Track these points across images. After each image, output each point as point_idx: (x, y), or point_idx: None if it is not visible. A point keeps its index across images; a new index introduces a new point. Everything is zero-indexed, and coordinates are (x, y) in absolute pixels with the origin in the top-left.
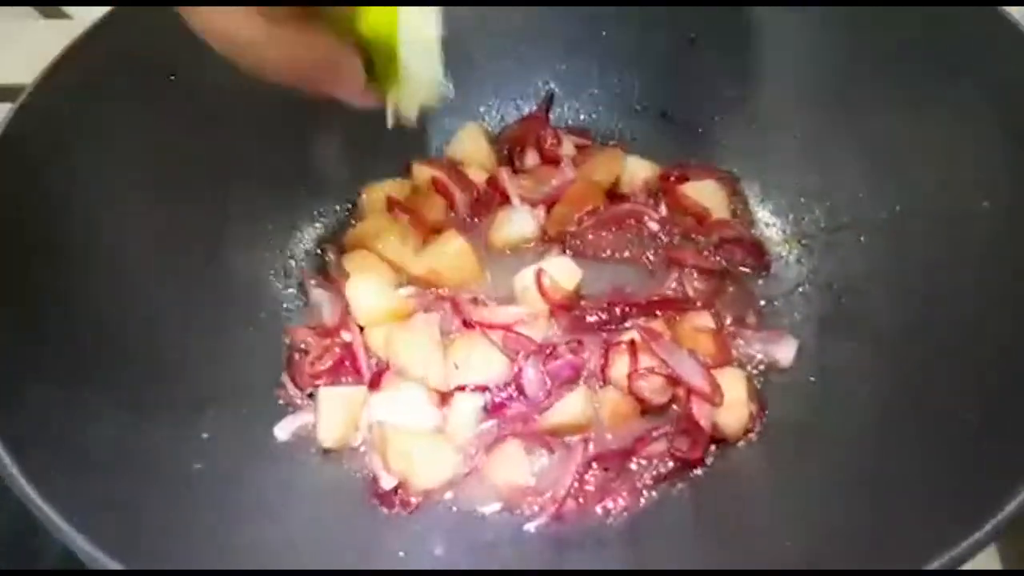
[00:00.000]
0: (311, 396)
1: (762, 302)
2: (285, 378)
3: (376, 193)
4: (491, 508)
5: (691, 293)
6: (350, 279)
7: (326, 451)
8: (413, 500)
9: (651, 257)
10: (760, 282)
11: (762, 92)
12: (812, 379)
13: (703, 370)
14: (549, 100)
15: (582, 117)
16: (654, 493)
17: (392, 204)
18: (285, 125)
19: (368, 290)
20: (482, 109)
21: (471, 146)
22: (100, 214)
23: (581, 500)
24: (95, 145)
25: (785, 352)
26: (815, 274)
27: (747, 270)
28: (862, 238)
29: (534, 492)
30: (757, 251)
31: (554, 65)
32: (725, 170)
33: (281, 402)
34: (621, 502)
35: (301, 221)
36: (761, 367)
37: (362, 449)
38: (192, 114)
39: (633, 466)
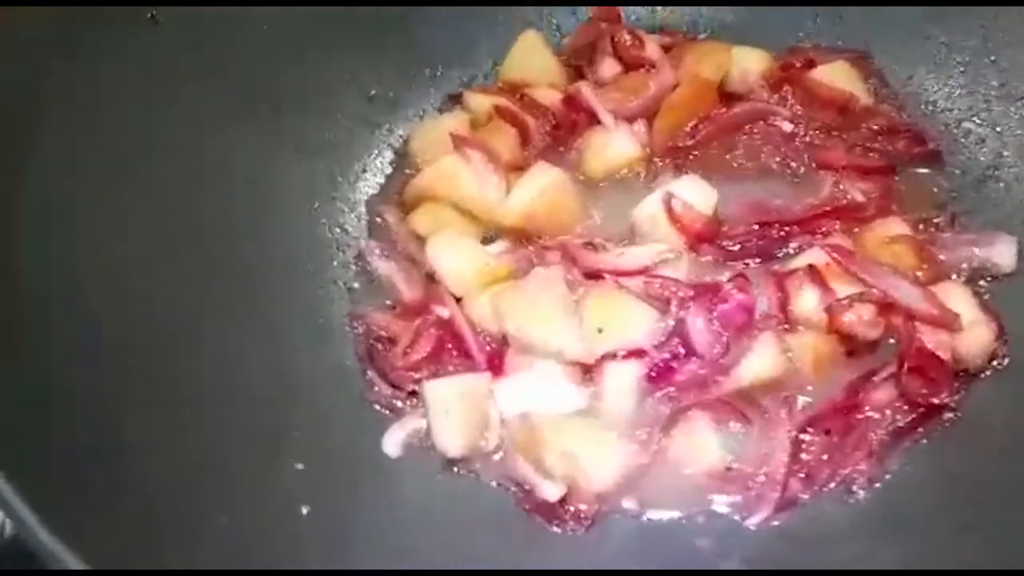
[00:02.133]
0: (413, 395)
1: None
2: (372, 375)
3: (429, 134)
4: (689, 509)
5: (859, 197)
6: (429, 241)
7: (451, 462)
8: (585, 510)
9: (792, 163)
10: (936, 176)
11: None
12: None
13: (922, 289)
14: None
15: (656, 10)
16: (897, 457)
17: (459, 141)
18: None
19: (456, 250)
20: (529, 19)
21: (533, 61)
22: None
23: (806, 477)
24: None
25: (1004, 253)
26: (1008, 154)
27: (917, 164)
28: None
29: (741, 477)
30: (918, 138)
31: None
32: (853, 48)
33: (377, 407)
34: (861, 471)
35: (343, 180)
36: (978, 277)
37: (498, 456)
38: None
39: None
